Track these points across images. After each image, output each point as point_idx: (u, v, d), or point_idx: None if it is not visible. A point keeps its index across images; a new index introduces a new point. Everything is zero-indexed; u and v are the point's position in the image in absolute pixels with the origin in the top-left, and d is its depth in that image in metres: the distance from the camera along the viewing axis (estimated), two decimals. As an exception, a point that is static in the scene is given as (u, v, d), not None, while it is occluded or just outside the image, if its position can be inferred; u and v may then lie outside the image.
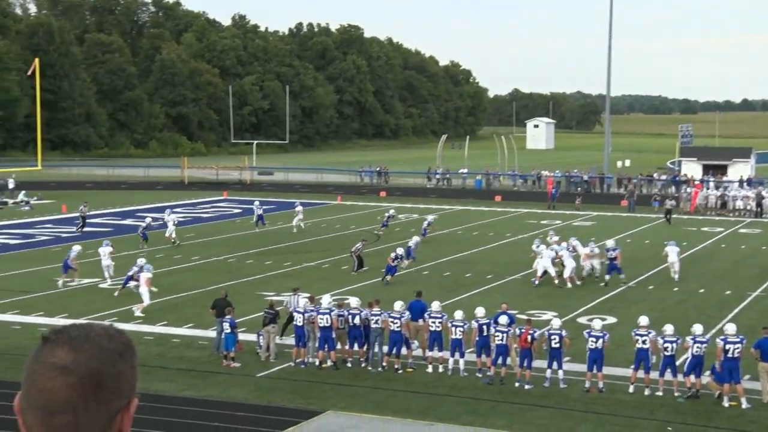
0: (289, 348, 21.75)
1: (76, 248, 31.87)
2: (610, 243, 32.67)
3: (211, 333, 23.00)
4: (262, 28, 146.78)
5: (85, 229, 43.93)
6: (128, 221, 48.37)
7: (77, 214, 45.36)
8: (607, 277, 31.10)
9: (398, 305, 21.42)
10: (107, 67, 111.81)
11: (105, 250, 31.67)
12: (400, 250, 32.95)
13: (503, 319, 20.38)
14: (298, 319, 21.42)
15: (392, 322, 21.01)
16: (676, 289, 30.53)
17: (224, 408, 18.08)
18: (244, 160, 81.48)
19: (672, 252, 32.28)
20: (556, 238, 34.27)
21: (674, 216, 50.18)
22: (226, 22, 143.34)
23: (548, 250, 32.07)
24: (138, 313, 25.82)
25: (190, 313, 26.29)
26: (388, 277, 31.35)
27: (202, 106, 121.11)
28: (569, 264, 31.13)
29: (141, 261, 28.14)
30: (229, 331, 21.33)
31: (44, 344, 1.96)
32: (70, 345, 1.93)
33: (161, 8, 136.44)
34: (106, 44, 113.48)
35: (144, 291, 26.33)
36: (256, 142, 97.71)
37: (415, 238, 36.48)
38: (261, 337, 21.98)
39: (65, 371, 1.90)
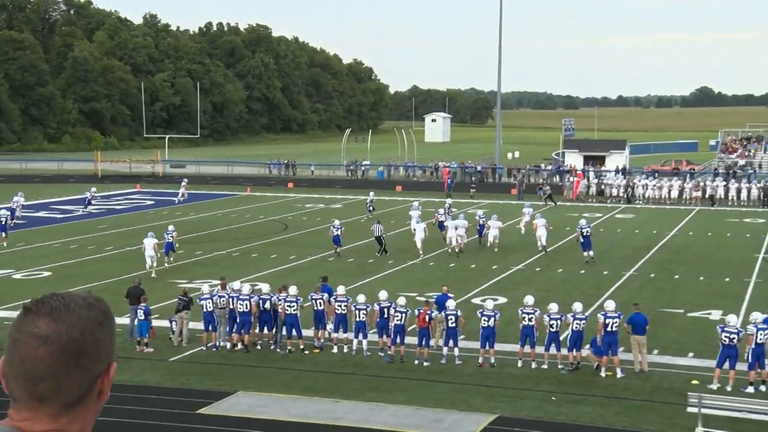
0: (201, 333, 21.46)
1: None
2: (582, 222, 33.62)
3: (125, 320, 22.49)
4: (173, 27, 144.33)
5: None
6: (42, 213, 46.85)
7: None
8: (586, 253, 32.46)
9: (293, 290, 21.36)
10: (19, 63, 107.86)
11: None
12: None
13: (450, 303, 20.49)
14: (207, 305, 21.18)
15: (288, 306, 20.96)
16: (560, 270, 31.35)
17: (138, 392, 17.73)
18: (157, 153, 79.80)
19: (494, 226, 35.43)
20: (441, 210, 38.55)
21: (558, 203, 51.56)
22: (138, 20, 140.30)
23: (420, 224, 34.81)
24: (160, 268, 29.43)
25: (104, 301, 25.61)
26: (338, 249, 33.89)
27: (115, 101, 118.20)
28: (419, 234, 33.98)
29: (170, 227, 32.84)
30: (143, 318, 20.95)
31: (26, 315, 1.92)
32: (50, 316, 1.91)
33: (72, 6, 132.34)
34: (17, 41, 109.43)
35: (152, 254, 29.80)
36: (168, 136, 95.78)
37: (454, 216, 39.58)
38: (174, 323, 21.65)
39: (47, 341, 1.88)
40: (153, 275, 29.34)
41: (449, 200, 45.12)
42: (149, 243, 29.96)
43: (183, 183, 55.25)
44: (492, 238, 35.28)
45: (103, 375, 1.97)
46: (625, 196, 54.32)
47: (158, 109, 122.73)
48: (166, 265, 31.26)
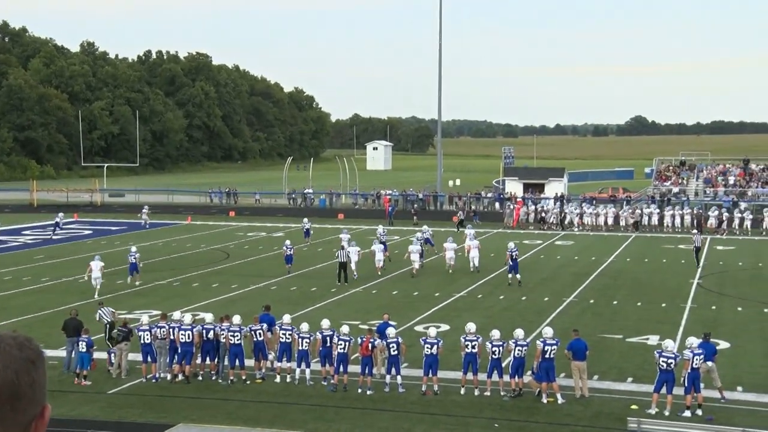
0: (140, 365, 21.07)
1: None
2: (511, 245, 35.15)
3: (61, 353, 21.99)
4: (112, 55, 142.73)
5: None
6: (-25, 244, 45.67)
7: None
8: (513, 275, 33.64)
9: (236, 319, 21.18)
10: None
11: None
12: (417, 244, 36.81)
13: (390, 331, 20.46)
14: (145, 336, 20.84)
15: (232, 335, 20.75)
16: (501, 297, 31.64)
17: (75, 426, 17.30)
18: (95, 182, 78.56)
19: (449, 248, 37.08)
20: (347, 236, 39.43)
21: (467, 227, 52.05)
22: (75, 48, 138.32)
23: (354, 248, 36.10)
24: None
25: (39, 333, 25.01)
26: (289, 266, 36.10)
27: (52, 130, 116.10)
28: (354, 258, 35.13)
29: (133, 249, 34.64)
30: (84, 350, 20.51)
31: None
32: None
33: (7, 34, 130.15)
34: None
35: (99, 277, 30.47)
36: (106, 165, 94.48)
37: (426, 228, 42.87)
38: (113, 355, 21.24)
39: None
40: (96, 296, 29.63)
41: (426, 227, 44.89)
42: (96, 266, 30.73)
43: (144, 210, 56.65)
44: (449, 260, 36.77)
45: (38, 418, 1.87)
46: (559, 223, 55.19)
47: (96, 137, 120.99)
48: (137, 283, 33.20)
